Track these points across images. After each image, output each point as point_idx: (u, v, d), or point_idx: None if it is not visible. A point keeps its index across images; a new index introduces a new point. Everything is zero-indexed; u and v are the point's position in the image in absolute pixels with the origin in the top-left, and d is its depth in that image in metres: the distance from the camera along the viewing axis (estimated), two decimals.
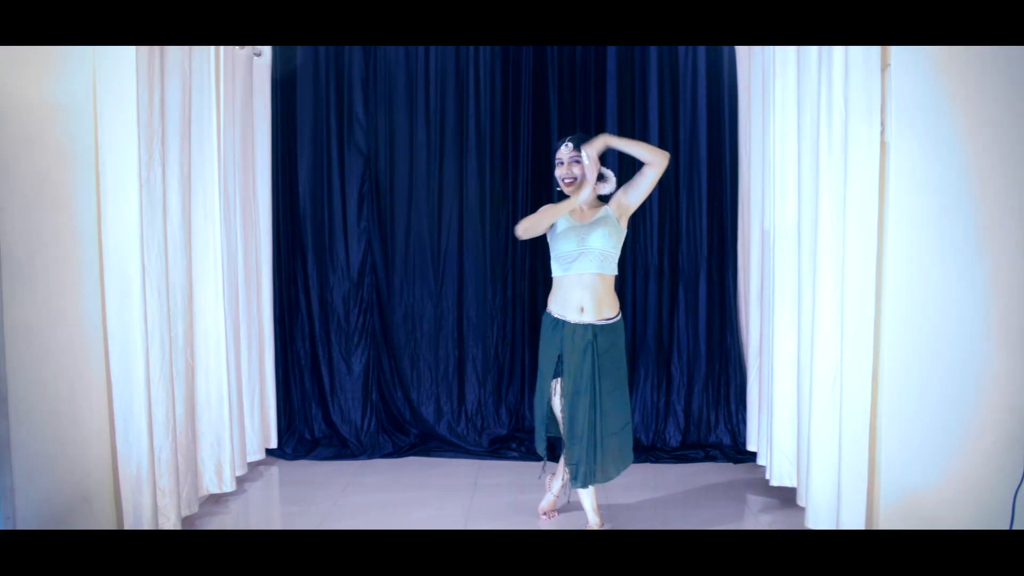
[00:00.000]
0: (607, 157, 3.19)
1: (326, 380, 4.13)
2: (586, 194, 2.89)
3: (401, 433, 4.13)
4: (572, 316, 2.88)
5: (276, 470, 3.84)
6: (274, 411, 4.02)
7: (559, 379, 2.91)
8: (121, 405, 2.70)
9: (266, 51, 3.95)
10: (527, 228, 2.92)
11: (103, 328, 2.70)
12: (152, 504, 2.74)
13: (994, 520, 2.50)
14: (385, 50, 4.07)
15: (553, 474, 3.23)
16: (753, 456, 3.72)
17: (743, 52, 3.86)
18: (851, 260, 2.65)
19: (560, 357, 2.89)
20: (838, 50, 2.65)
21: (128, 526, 2.73)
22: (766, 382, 3.40)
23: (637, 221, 4.05)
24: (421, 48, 4.06)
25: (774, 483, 3.25)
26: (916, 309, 2.60)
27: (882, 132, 2.60)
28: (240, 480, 3.53)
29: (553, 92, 4.05)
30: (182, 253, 2.98)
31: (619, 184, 3.08)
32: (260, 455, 3.83)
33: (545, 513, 3.17)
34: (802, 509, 2.99)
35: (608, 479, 2.96)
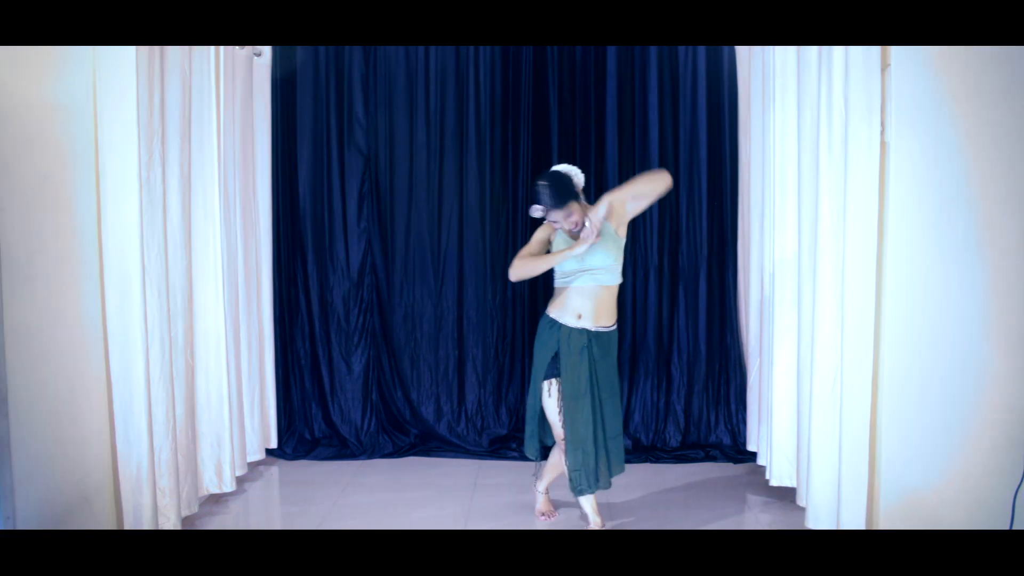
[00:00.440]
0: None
1: (326, 380, 4.13)
2: (582, 249, 2.76)
3: (401, 433, 4.13)
4: (570, 321, 2.87)
5: (276, 470, 3.84)
6: (274, 411, 4.02)
7: (552, 380, 2.89)
8: (121, 405, 2.70)
9: (266, 51, 3.95)
10: (521, 274, 2.87)
11: (103, 328, 2.70)
12: (152, 504, 2.74)
13: (994, 520, 2.50)
14: (385, 50, 4.07)
15: (539, 476, 3.20)
16: (753, 456, 3.72)
17: (743, 52, 3.86)
18: (851, 260, 2.65)
19: (556, 356, 2.88)
20: (838, 50, 2.65)
21: (128, 526, 2.73)
22: (766, 382, 3.40)
23: (637, 221, 4.04)
24: (421, 48, 4.06)
25: (774, 483, 3.25)
26: (916, 309, 2.60)
27: (882, 132, 2.60)
28: (240, 480, 3.53)
29: (553, 92, 4.05)
30: (182, 253, 2.98)
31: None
32: (260, 455, 3.83)
33: (543, 514, 3.17)
34: (802, 509, 2.99)
35: (608, 486, 2.95)
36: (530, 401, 3.01)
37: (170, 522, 2.83)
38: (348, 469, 3.83)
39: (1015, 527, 2.45)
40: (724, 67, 3.97)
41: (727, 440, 4.00)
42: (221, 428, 3.26)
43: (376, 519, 3.16)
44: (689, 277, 4.05)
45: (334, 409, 4.14)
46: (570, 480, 2.88)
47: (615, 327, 2.94)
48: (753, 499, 3.38)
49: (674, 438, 4.04)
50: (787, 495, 3.31)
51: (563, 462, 2.92)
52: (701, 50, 4.00)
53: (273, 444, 4.00)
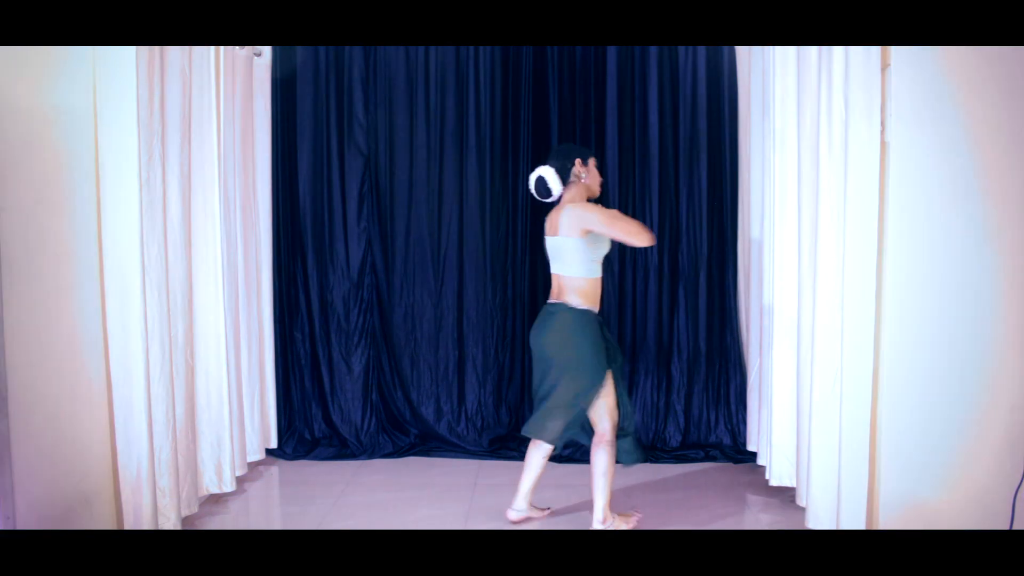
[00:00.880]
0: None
1: (326, 380, 4.13)
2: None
3: (401, 433, 4.13)
4: (595, 310, 2.95)
5: (276, 470, 3.84)
6: (274, 411, 4.02)
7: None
8: (121, 405, 2.69)
9: (266, 51, 3.95)
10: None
11: (103, 328, 2.70)
12: (152, 504, 2.74)
13: (994, 520, 2.50)
14: (385, 50, 4.07)
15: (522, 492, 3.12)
16: (753, 456, 3.72)
17: (743, 52, 3.86)
18: (851, 260, 2.65)
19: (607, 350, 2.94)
20: (838, 50, 2.65)
21: (128, 526, 2.73)
22: (766, 382, 3.40)
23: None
24: (421, 48, 4.06)
25: (774, 483, 3.25)
26: (916, 309, 2.60)
27: (882, 132, 2.60)
28: (240, 480, 3.53)
29: (553, 92, 4.05)
30: (182, 253, 2.98)
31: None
32: (260, 455, 3.84)
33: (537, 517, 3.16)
34: (802, 509, 2.99)
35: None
36: (581, 399, 2.87)
37: (170, 522, 2.83)
38: (348, 469, 3.83)
39: (1015, 527, 2.46)
40: (724, 67, 3.97)
41: (727, 440, 4.00)
42: (221, 428, 3.26)
43: (376, 519, 3.16)
44: (689, 277, 4.05)
45: (334, 409, 4.14)
46: (627, 455, 3.01)
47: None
48: (753, 499, 3.38)
49: (674, 438, 4.04)
50: (787, 495, 3.32)
51: (541, 460, 3.03)
52: (701, 50, 4.00)
53: (273, 444, 4.00)
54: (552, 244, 2.95)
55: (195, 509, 3.11)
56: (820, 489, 2.81)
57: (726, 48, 3.97)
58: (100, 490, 2.71)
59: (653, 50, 4.02)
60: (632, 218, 2.91)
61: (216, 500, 3.36)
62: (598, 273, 2.94)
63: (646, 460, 2.97)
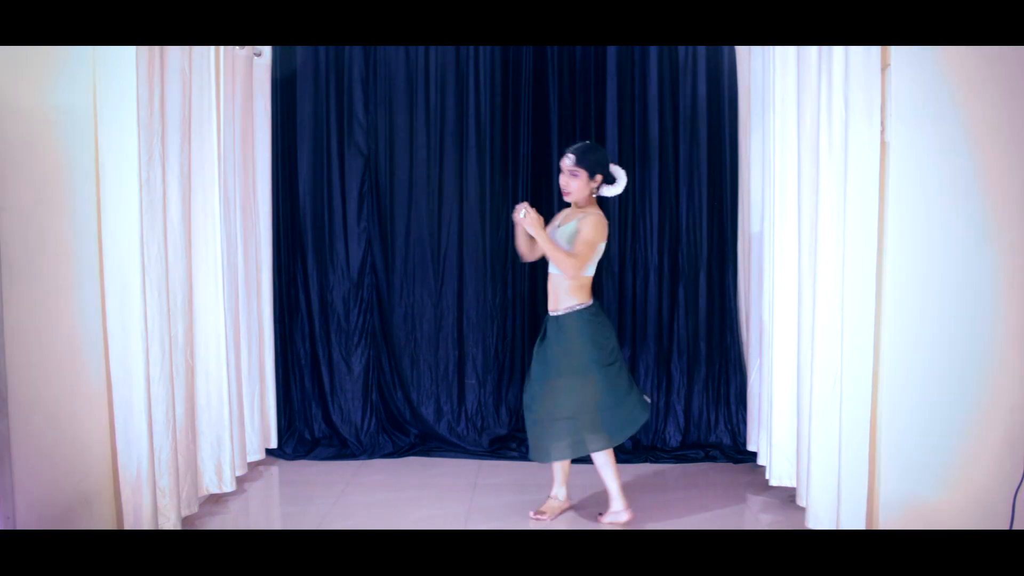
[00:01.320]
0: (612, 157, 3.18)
1: (326, 380, 4.13)
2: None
3: (401, 433, 4.13)
4: None
5: (276, 470, 3.84)
6: (274, 411, 4.02)
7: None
8: (121, 405, 2.69)
9: (266, 51, 3.95)
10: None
11: (103, 328, 2.70)
12: (152, 504, 2.74)
13: (994, 520, 2.50)
14: (385, 50, 4.07)
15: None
16: (753, 456, 3.72)
17: (743, 52, 3.86)
18: (851, 260, 2.65)
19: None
20: (838, 50, 2.65)
21: (128, 526, 2.73)
22: (766, 382, 3.40)
23: (637, 220, 4.05)
24: (421, 48, 4.06)
25: (774, 483, 3.25)
26: (916, 309, 2.60)
27: (882, 132, 2.60)
28: (240, 480, 3.53)
29: (553, 92, 4.05)
30: (182, 253, 2.98)
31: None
32: (260, 455, 3.83)
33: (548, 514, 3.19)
34: (802, 509, 2.99)
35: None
36: (621, 397, 3.02)
37: (170, 522, 2.83)
38: (348, 469, 3.83)
39: (1015, 527, 2.46)
40: (724, 67, 3.97)
41: (727, 440, 4.00)
42: (221, 428, 3.25)
43: (376, 519, 3.16)
44: (689, 277, 4.05)
45: (334, 409, 4.14)
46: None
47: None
48: (753, 499, 3.38)
49: (674, 438, 4.04)
50: (787, 495, 3.31)
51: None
52: (701, 50, 4.00)
53: (273, 444, 4.00)
54: None
55: (195, 509, 3.11)
56: (820, 489, 2.81)
57: (726, 48, 3.96)
58: (100, 490, 2.71)
59: (653, 50, 4.02)
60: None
61: (216, 500, 3.36)
62: (591, 271, 3.07)
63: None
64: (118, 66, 2.62)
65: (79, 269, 2.63)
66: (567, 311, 3.02)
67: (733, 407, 4.02)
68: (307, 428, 4.12)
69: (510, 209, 4.07)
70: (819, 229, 2.78)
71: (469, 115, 4.07)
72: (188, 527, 3.03)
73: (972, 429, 2.57)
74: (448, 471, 3.81)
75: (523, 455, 3.96)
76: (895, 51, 2.55)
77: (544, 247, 2.95)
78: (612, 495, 3.07)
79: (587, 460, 3.14)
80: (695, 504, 3.31)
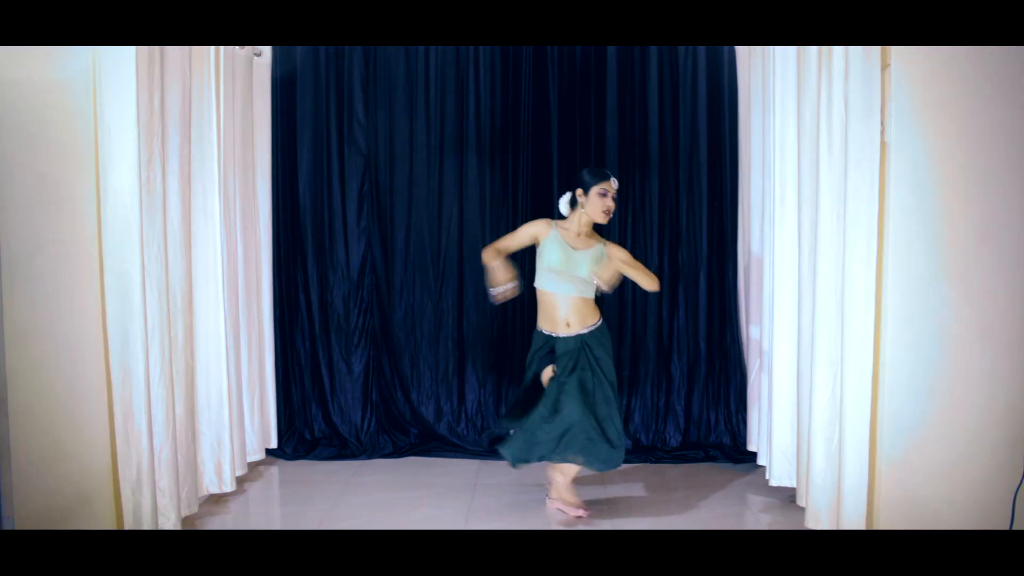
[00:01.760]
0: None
1: (326, 380, 4.13)
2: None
3: (401, 433, 4.13)
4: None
5: (276, 470, 3.84)
6: (274, 411, 4.02)
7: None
8: (121, 405, 2.69)
9: (266, 51, 3.95)
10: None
11: (103, 328, 2.70)
12: (152, 504, 2.74)
13: (994, 520, 2.50)
14: (385, 50, 4.07)
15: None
16: (753, 456, 3.72)
17: (743, 52, 3.86)
18: (851, 260, 2.65)
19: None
20: (838, 50, 2.65)
21: (128, 526, 2.73)
22: (766, 382, 3.40)
23: (637, 220, 4.05)
24: (421, 48, 4.06)
25: (774, 483, 3.25)
26: (916, 309, 2.60)
27: (882, 132, 2.60)
28: (240, 480, 3.53)
29: (553, 92, 4.05)
30: (182, 253, 2.98)
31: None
32: (260, 455, 3.84)
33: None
34: (802, 509, 2.99)
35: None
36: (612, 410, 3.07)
37: (170, 522, 2.83)
38: (348, 469, 3.83)
39: (1015, 527, 2.45)
40: (724, 67, 3.97)
41: (727, 440, 4.00)
42: (221, 428, 3.26)
43: (376, 519, 3.16)
44: (689, 277, 4.05)
45: (334, 409, 4.14)
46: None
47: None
48: (753, 499, 3.39)
49: (674, 438, 4.04)
50: (787, 495, 3.32)
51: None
52: (701, 50, 4.00)
53: (273, 444, 4.00)
54: None
55: (195, 509, 3.11)
56: (820, 489, 2.81)
57: (726, 48, 3.97)
58: (100, 490, 2.71)
59: (653, 50, 4.02)
60: (506, 238, 3.24)
61: (216, 500, 3.36)
62: (542, 286, 3.15)
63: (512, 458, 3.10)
64: (118, 66, 2.62)
65: (79, 269, 2.63)
66: (592, 328, 3.10)
67: (733, 407, 4.02)
68: (307, 428, 4.12)
69: (510, 209, 4.08)
70: (819, 229, 2.78)
71: (469, 115, 4.08)
72: (188, 527, 3.03)
73: (972, 429, 2.57)
74: (448, 471, 3.81)
75: None
76: (895, 51, 2.55)
77: (640, 277, 3.12)
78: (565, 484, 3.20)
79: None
80: (695, 504, 3.32)
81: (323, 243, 4.11)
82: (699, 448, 3.99)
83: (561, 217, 3.21)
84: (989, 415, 2.56)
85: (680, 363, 4.07)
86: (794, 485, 3.18)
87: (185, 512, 3.01)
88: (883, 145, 2.61)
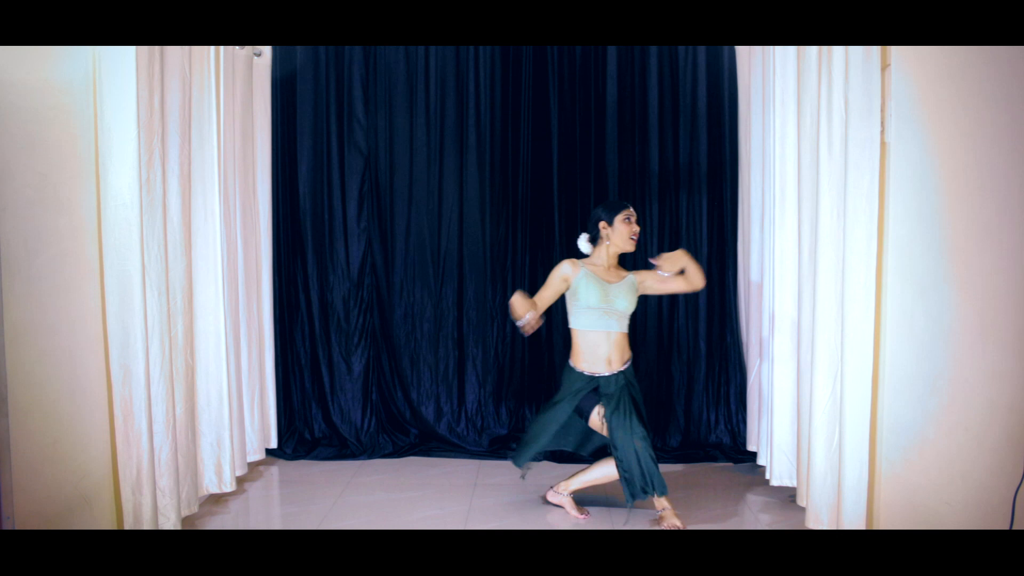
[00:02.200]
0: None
1: (326, 380, 4.13)
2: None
3: (401, 433, 4.13)
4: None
5: (276, 470, 3.84)
6: (274, 411, 4.02)
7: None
8: (121, 405, 2.70)
9: (266, 51, 3.95)
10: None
11: (103, 328, 2.70)
12: (152, 504, 2.74)
13: (994, 520, 2.50)
14: (385, 50, 4.07)
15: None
16: (753, 456, 3.72)
17: (743, 52, 3.87)
18: (851, 260, 2.65)
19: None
20: (838, 50, 2.65)
21: (128, 526, 2.73)
22: (766, 382, 3.40)
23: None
24: (421, 48, 4.07)
25: (774, 483, 3.25)
26: (916, 309, 2.60)
27: (882, 132, 2.60)
28: (240, 480, 3.53)
29: (553, 92, 4.05)
30: (182, 253, 2.98)
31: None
32: (260, 455, 3.84)
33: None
34: (802, 509, 2.99)
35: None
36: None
37: (170, 522, 2.83)
38: (348, 469, 3.83)
39: (1015, 527, 2.45)
40: (724, 67, 3.98)
41: (727, 440, 4.00)
42: (221, 428, 3.26)
43: (376, 519, 3.17)
44: None
45: (334, 409, 4.14)
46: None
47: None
48: (753, 499, 3.38)
49: (674, 438, 4.04)
50: (787, 495, 3.32)
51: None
52: (701, 50, 4.00)
53: (273, 444, 4.00)
54: None
55: (195, 509, 3.11)
56: (820, 489, 2.81)
57: (726, 48, 3.97)
58: (100, 490, 2.71)
59: (653, 50, 4.02)
60: (541, 294, 3.15)
61: (216, 500, 3.36)
62: (583, 326, 3.10)
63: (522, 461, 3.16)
64: (118, 66, 2.62)
65: (79, 269, 2.63)
66: (629, 363, 3.12)
67: (733, 407, 4.02)
68: (307, 428, 4.12)
69: (510, 209, 4.09)
70: (819, 229, 2.78)
71: (469, 115, 4.08)
72: (188, 527, 3.03)
73: (972, 429, 2.57)
74: (448, 471, 3.81)
75: None
76: (895, 51, 2.55)
77: (691, 265, 3.08)
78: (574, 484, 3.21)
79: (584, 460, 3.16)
80: (695, 504, 3.31)
81: (323, 243, 4.11)
82: (699, 448, 3.99)
83: (582, 256, 3.22)
84: (989, 415, 2.56)
85: (680, 363, 4.07)
86: (794, 485, 3.18)
87: (185, 512, 3.01)
88: (883, 145, 2.61)
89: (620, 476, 2.96)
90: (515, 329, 4.11)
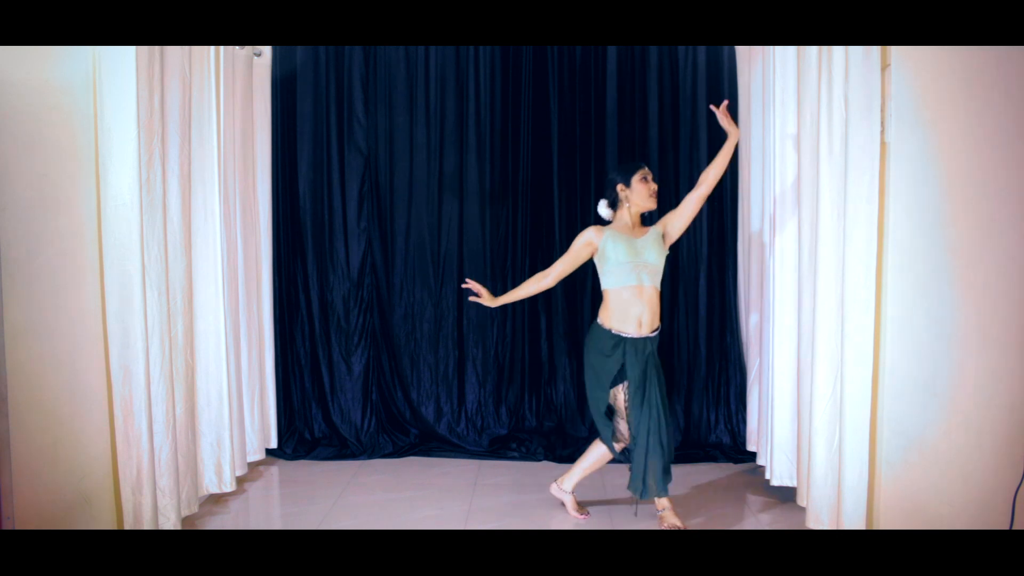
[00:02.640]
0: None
1: (326, 380, 4.13)
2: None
3: (401, 433, 4.13)
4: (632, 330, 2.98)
5: (276, 470, 3.84)
6: (274, 411, 4.02)
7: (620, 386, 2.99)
8: (121, 405, 2.70)
9: (266, 51, 3.95)
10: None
11: (103, 328, 2.70)
12: (152, 504, 2.74)
13: (994, 520, 2.50)
14: (385, 50, 4.07)
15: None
16: (753, 456, 3.72)
17: (743, 52, 3.87)
18: (851, 260, 2.65)
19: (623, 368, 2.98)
20: (838, 50, 2.65)
21: (128, 526, 2.73)
22: (766, 382, 3.40)
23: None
24: (421, 48, 4.07)
25: (774, 483, 3.25)
26: (916, 309, 2.60)
27: (882, 132, 2.60)
28: (240, 480, 3.53)
29: (553, 92, 4.05)
30: (182, 253, 2.98)
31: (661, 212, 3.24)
32: (260, 455, 3.84)
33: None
34: (802, 509, 2.99)
35: None
36: (594, 409, 3.06)
37: (170, 522, 2.83)
38: (348, 469, 3.83)
39: (1015, 527, 2.46)
40: (724, 67, 3.98)
41: (727, 440, 4.00)
42: (221, 428, 3.26)
43: (376, 519, 3.17)
44: (689, 277, 4.05)
45: (334, 409, 4.14)
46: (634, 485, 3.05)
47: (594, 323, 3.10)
48: (753, 499, 3.38)
49: (674, 438, 4.04)
50: (787, 495, 3.32)
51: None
52: (701, 50, 4.00)
53: (273, 444, 4.00)
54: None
55: (195, 509, 3.11)
56: (820, 489, 2.81)
57: (726, 48, 3.97)
58: (100, 490, 2.71)
59: (653, 50, 4.02)
60: (560, 262, 3.11)
61: (216, 500, 3.36)
62: (615, 283, 3.01)
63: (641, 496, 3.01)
64: (118, 66, 2.62)
65: (79, 269, 2.63)
66: (657, 332, 3.04)
67: (733, 407, 4.02)
68: (307, 428, 4.12)
69: (510, 209, 4.09)
70: (819, 229, 2.78)
71: (469, 115, 4.08)
72: (188, 527, 3.03)
73: (972, 429, 2.57)
74: (448, 471, 3.81)
75: (523, 455, 3.96)
76: (895, 51, 2.55)
77: (725, 160, 2.97)
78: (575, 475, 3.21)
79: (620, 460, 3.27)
80: (695, 504, 3.31)
81: (323, 243, 4.11)
82: (699, 448, 3.99)
83: (605, 223, 3.18)
84: (989, 415, 2.56)
85: (680, 363, 4.07)
86: (794, 485, 3.18)
87: (185, 512, 3.01)
88: (883, 145, 2.61)
89: (631, 471, 2.97)
90: (515, 329, 4.12)
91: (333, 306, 4.13)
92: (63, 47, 2.54)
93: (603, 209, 3.16)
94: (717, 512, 3.23)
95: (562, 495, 3.22)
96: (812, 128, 2.86)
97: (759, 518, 3.17)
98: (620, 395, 2.99)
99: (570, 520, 3.14)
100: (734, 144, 2.96)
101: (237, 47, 3.53)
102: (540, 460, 3.95)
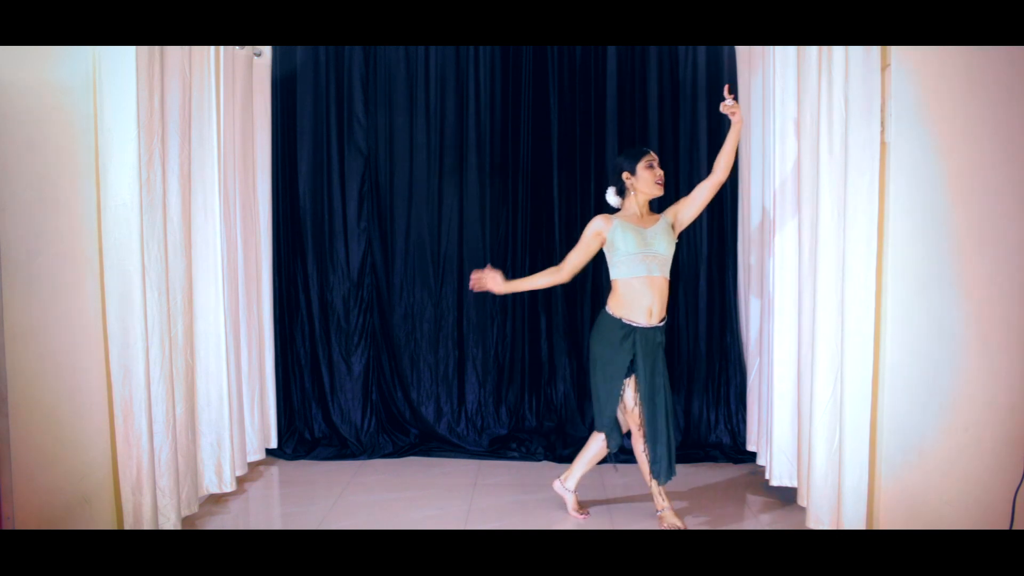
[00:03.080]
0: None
1: (326, 380, 4.13)
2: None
3: (401, 433, 4.13)
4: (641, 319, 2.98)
5: (276, 470, 3.84)
6: (274, 411, 4.02)
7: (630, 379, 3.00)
8: (121, 405, 2.70)
9: (266, 51, 3.95)
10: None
11: (103, 328, 2.70)
12: (152, 504, 2.74)
13: (994, 520, 2.50)
14: (385, 50, 4.07)
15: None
16: (753, 456, 3.72)
17: (743, 52, 3.87)
18: (851, 260, 2.65)
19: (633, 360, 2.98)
20: (838, 50, 2.65)
21: (128, 526, 2.73)
22: (766, 382, 3.40)
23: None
24: (421, 48, 4.07)
25: (774, 483, 3.25)
26: (916, 309, 2.60)
27: (882, 132, 2.60)
28: (240, 480, 3.53)
29: (553, 92, 4.05)
30: (182, 253, 2.98)
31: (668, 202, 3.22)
32: (260, 455, 3.84)
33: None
34: (802, 509, 2.99)
35: None
36: (605, 403, 3.06)
37: (170, 522, 2.83)
38: (348, 469, 3.83)
39: (1015, 527, 2.46)
40: (724, 67, 3.98)
41: (727, 440, 4.00)
42: (221, 428, 3.26)
43: (376, 519, 3.17)
44: (689, 277, 4.05)
45: (334, 409, 4.14)
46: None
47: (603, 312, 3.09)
48: (753, 499, 3.38)
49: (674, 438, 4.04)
50: (787, 495, 3.32)
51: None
52: (701, 50, 4.00)
53: (273, 444, 4.00)
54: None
55: (195, 509, 3.11)
56: (820, 489, 2.81)
57: (726, 48, 3.97)
58: (100, 490, 2.71)
59: (653, 50, 4.02)
60: (573, 254, 3.08)
61: (216, 500, 3.36)
62: (625, 274, 2.99)
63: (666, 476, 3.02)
64: (118, 66, 2.62)
65: (79, 269, 2.63)
66: (664, 322, 3.03)
67: (733, 407, 4.02)
68: (307, 428, 4.12)
69: (510, 209, 4.09)
70: (819, 229, 2.78)
71: (469, 115, 4.08)
72: (188, 527, 3.03)
73: (972, 429, 2.57)
74: (448, 471, 3.81)
75: (523, 455, 3.96)
76: (895, 51, 2.55)
77: (733, 147, 2.95)
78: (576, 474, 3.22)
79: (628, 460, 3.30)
80: (695, 504, 3.31)
81: (323, 243, 4.11)
82: (699, 448, 3.99)
83: (614, 210, 3.13)
84: (989, 415, 2.56)
85: (680, 363, 4.07)
86: (794, 485, 3.18)
87: (185, 512, 3.01)
88: (883, 145, 2.61)
89: (649, 458, 2.99)
90: (515, 329, 4.12)
91: (333, 306, 4.13)
92: (63, 47, 2.54)
93: (611, 197, 3.13)
94: (717, 512, 3.23)
95: (564, 493, 3.22)
96: (812, 128, 2.86)
97: (759, 518, 3.18)
98: (630, 388, 3.00)
99: (570, 520, 3.14)
100: (739, 129, 2.95)
101: (237, 47, 3.53)
102: (540, 460, 3.95)
